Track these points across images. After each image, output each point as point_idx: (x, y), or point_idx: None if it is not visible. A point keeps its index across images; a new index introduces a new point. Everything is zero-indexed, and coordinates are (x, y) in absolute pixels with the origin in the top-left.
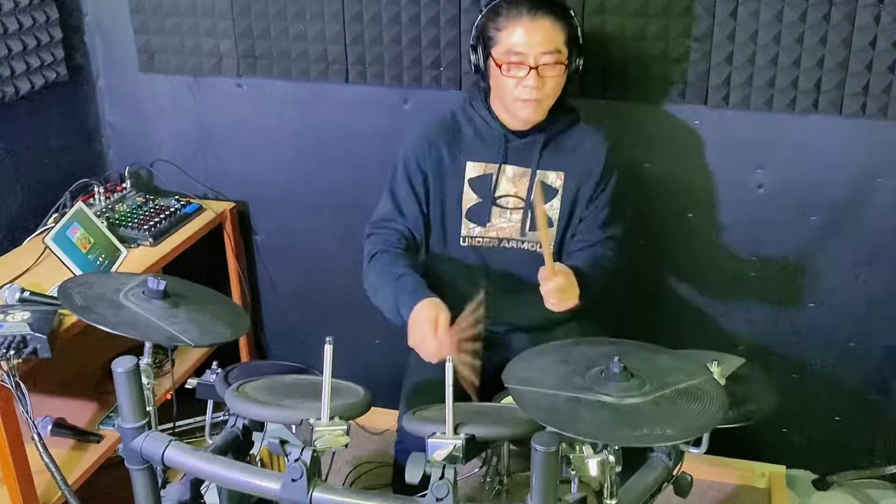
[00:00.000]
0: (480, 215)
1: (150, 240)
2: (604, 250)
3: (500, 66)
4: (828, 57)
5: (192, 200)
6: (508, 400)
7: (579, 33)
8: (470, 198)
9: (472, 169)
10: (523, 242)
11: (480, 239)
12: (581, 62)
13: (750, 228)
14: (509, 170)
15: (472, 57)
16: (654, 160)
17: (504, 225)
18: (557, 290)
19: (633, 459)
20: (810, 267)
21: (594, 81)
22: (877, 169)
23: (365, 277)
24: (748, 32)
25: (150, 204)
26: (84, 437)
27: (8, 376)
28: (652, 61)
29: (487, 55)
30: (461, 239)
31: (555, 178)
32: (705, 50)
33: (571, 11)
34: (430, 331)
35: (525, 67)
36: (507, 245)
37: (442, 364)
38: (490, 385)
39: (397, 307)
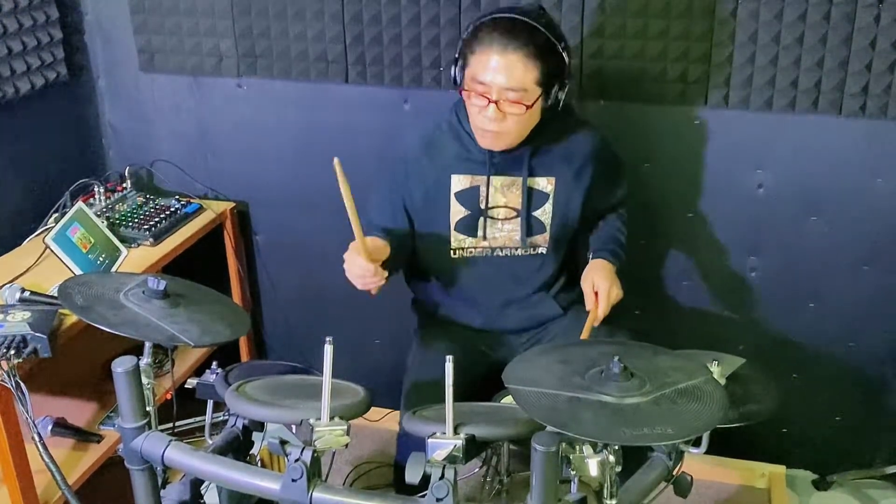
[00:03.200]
0: (470, 227)
1: (151, 240)
2: (621, 215)
3: (460, 90)
4: (828, 57)
5: (192, 200)
6: (508, 400)
7: (567, 62)
8: (458, 210)
9: (458, 182)
10: (517, 249)
11: (472, 250)
12: (563, 94)
13: (750, 228)
14: (497, 180)
15: (452, 69)
16: (654, 160)
17: (496, 235)
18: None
19: (633, 459)
20: (810, 267)
21: (594, 81)
22: (877, 169)
23: None
24: (748, 32)
25: (151, 204)
26: (84, 437)
27: (8, 376)
28: (652, 61)
29: (462, 73)
30: (451, 251)
31: (545, 184)
32: (705, 50)
33: (560, 43)
34: (352, 257)
35: (485, 99)
36: (500, 253)
37: (440, 365)
38: (490, 385)
39: None
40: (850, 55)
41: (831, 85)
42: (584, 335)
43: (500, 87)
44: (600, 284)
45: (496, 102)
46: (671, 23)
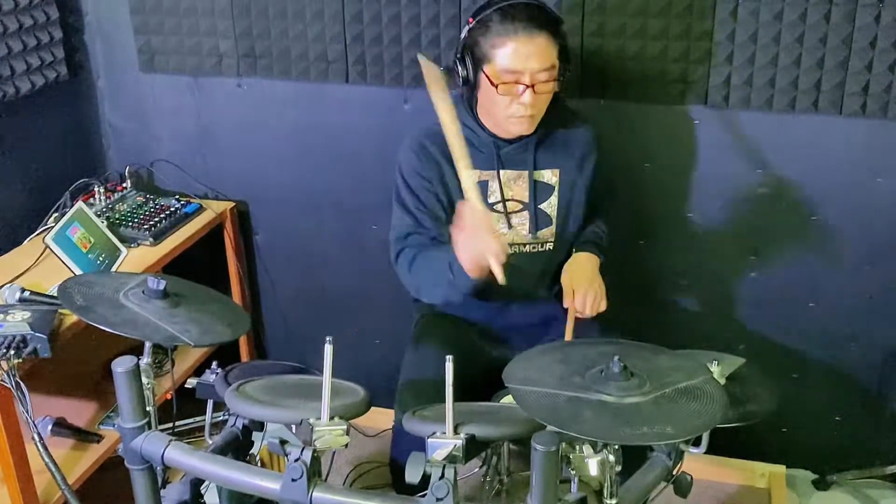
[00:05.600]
0: None
1: (151, 239)
2: (603, 222)
3: (495, 86)
4: (828, 57)
5: (192, 200)
6: (508, 399)
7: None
8: None
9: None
10: (526, 245)
11: None
12: (569, 68)
13: (750, 228)
14: (504, 174)
15: (460, 69)
16: (654, 160)
17: (505, 230)
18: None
19: (633, 459)
20: (810, 267)
21: (594, 81)
22: (877, 168)
23: (413, 285)
24: (748, 32)
25: (151, 203)
26: (84, 437)
27: (8, 376)
28: (652, 61)
29: (477, 70)
30: None
31: (550, 176)
32: (705, 50)
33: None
34: (486, 233)
35: (521, 86)
36: (510, 250)
37: (435, 363)
38: (490, 384)
39: (450, 264)
40: (850, 55)
41: (831, 85)
42: (568, 336)
43: (533, 71)
44: (579, 284)
45: (532, 86)
46: (671, 23)
